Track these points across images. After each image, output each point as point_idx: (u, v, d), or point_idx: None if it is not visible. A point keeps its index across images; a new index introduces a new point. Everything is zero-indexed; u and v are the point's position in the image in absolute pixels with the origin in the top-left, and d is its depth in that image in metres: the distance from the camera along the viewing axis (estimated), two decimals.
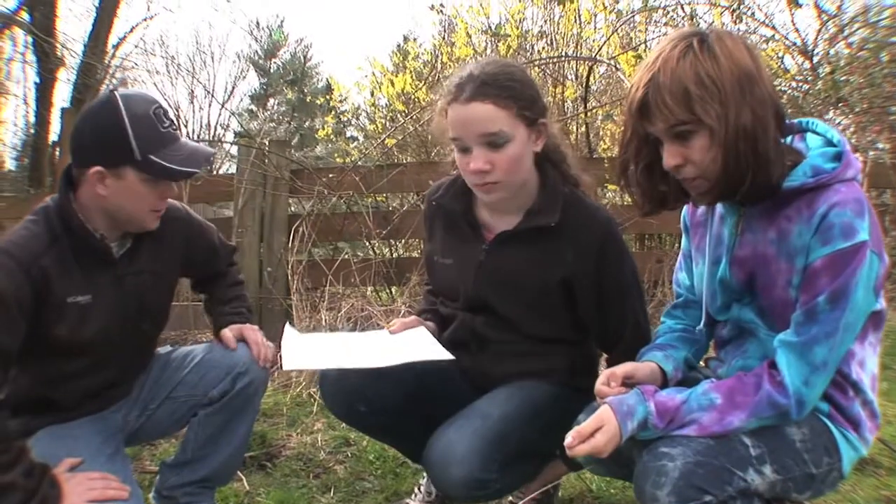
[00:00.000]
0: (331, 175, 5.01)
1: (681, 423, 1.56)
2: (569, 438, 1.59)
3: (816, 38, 5.93)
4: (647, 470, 1.54)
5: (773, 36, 6.03)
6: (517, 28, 5.55)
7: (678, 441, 1.55)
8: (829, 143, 1.63)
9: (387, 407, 2.08)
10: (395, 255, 5.28)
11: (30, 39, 9.34)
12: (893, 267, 4.49)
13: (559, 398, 2.05)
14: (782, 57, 6.09)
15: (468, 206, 2.12)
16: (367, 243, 5.19)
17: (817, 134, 1.66)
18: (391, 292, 5.11)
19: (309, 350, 2.17)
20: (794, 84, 6.09)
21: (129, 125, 1.88)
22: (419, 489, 2.36)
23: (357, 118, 7.72)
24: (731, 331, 1.80)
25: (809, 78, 5.88)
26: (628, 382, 1.72)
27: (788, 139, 1.64)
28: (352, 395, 2.07)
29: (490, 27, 5.69)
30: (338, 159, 6.30)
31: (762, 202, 1.62)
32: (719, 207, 1.75)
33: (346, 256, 5.01)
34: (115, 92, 1.98)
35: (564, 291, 2.03)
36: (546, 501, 2.32)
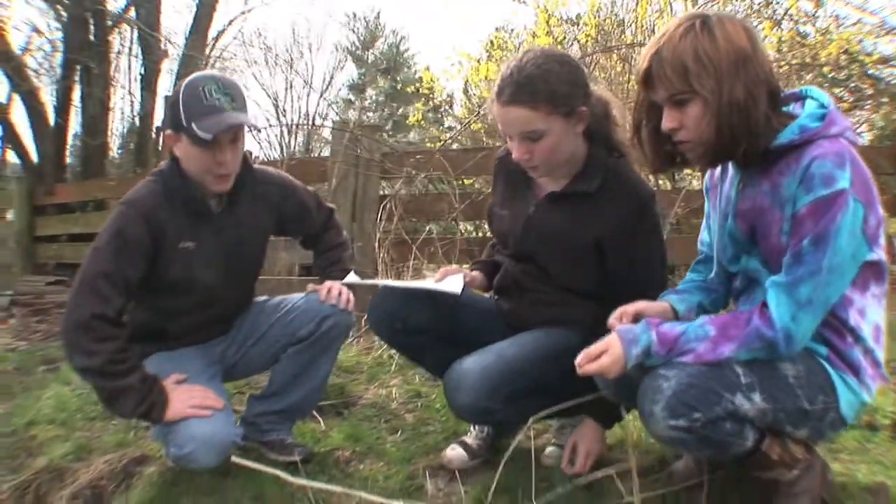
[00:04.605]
0: (418, 156, 5.29)
1: (680, 351, 1.78)
2: (579, 358, 1.85)
3: None
4: (645, 389, 1.78)
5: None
6: (595, 17, 5.75)
7: (675, 365, 1.78)
8: (822, 106, 1.81)
9: (419, 326, 2.42)
10: (479, 234, 5.52)
11: (136, 34, 9.99)
12: None
13: (582, 346, 2.27)
14: None
15: None
16: (454, 222, 5.46)
17: (814, 99, 1.84)
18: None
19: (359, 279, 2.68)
20: None
21: (181, 98, 2.28)
22: (473, 427, 2.63)
23: (451, 107, 8.00)
24: (742, 282, 2.00)
25: None
26: (639, 319, 1.94)
27: (791, 107, 1.84)
28: (391, 314, 2.44)
29: (569, 17, 5.92)
30: (429, 145, 6.57)
31: (758, 164, 1.82)
32: (730, 170, 1.96)
33: (432, 235, 5.29)
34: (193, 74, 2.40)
35: (596, 250, 2.27)
36: None
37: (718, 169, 2.05)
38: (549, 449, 2.53)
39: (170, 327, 2.52)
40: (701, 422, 1.73)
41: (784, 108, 1.84)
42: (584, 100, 2.20)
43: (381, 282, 2.62)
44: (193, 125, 2.24)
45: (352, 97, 20.97)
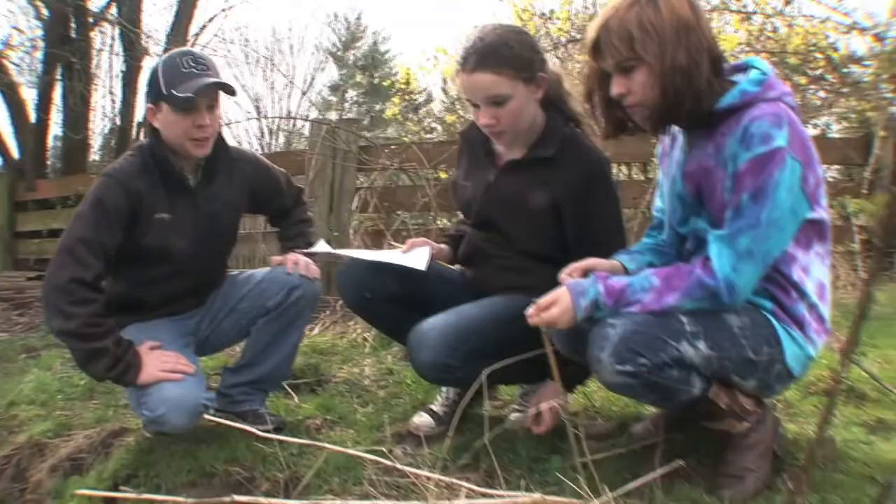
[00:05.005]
0: (393, 147, 5.38)
1: (626, 302, 1.89)
2: (529, 309, 1.94)
3: None
4: (593, 337, 1.89)
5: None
6: (567, 11, 5.89)
7: (622, 315, 1.89)
8: (764, 74, 1.93)
9: (388, 296, 2.51)
10: (453, 223, 5.60)
11: (117, 32, 10.08)
12: None
13: None
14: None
15: (487, 139, 2.50)
16: (428, 214, 5.55)
17: (756, 68, 1.96)
18: None
19: (329, 248, 2.79)
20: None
21: (160, 70, 2.43)
22: (440, 395, 2.72)
23: (428, 103, 8.10)
24: (692, 243, 2.10)
25: None
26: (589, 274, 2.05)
27: (736, 77, 1.95)
28: (360, 284, 2.53)
29: (542, 12, 6.05)
30: (405, 139, 6.66)
31: (702, 126, 1.94)
32: (679, 137, 2.07)
33: (408, 224, 5.38)
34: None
35: (554, 215, 2.38)
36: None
37: (669, 138, 2.16)
38: (514, 415, 2.63)
39: (145, 298, 2.61)
40: (647, 367, 1.84)
41: (731, 79, 1.96)
42: (542, 67, 2.33)
43: (345, 252, 2.71)
44: (173, 91, 2.39)
45: (333, 98, 21.11)
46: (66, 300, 2.32)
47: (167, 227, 2.51)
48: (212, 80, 2.43)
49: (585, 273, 2.06)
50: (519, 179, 2.42)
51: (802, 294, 1.96)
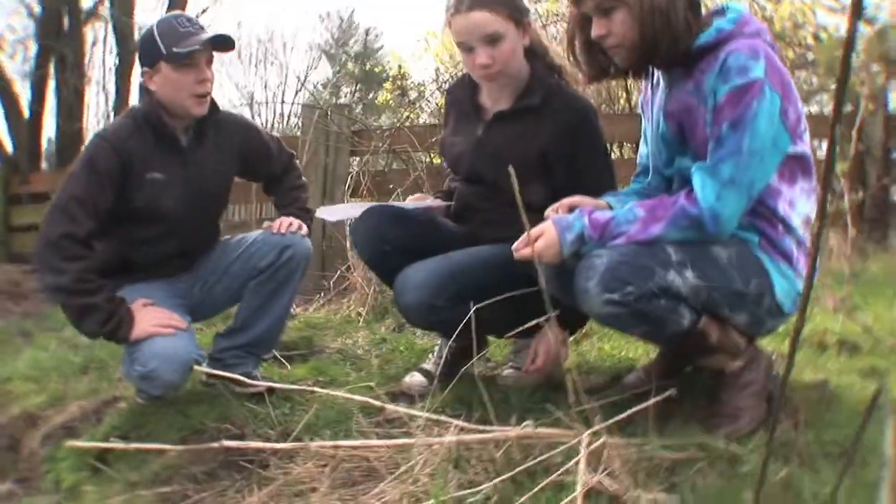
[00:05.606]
0: (383, 127, 5.39)
1: (612, 234, 1.90)
2: (516, 243, 1.95)
3: None
4: (580, 269, 1.89)
5: None
6: None
7: (609, 246, 1.89)
8: (740, 13, 1.96)
9: (405, 247, 2.46)
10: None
11: (110, 26, 10.13)
12: None
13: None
14: None
15: (473, 94, 2.55)
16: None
17: (733, 10, 1.98)
18: None
19: (337, 209, 2.84)
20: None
21: (156, 32, 2.45)
22: (432, 355, 2.72)
23: (421, 93, 8.07)
24: (678, 183, 2.10)
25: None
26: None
27: (714, 20, 1.97)
28: (377, 236, 2.48)
29: None
30: (397, 124, 6.67)
31: (681, 66, 1.96)
32: (661, 83, 2.08)
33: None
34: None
35: (543, 163, 2.39)
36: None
37: (650, 85, 2.18)
38: (507, 371, 2.62)
39: (135, 258, 2.62)
40: (634, 295, 1.83)
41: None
42: (527, 13, 2.39)
43: (356, 205, 2.78)
44: (174, 49, 2.41)
45: (326, 96, 21.07)
46: (58, 256, 2.34)
47: (159, 187, 2.53)
48: (211, 34, 2.47)
49: (571, 209, 2.06)
50: (507, 130, 2.44)
51: (789, 228, 1.97)
